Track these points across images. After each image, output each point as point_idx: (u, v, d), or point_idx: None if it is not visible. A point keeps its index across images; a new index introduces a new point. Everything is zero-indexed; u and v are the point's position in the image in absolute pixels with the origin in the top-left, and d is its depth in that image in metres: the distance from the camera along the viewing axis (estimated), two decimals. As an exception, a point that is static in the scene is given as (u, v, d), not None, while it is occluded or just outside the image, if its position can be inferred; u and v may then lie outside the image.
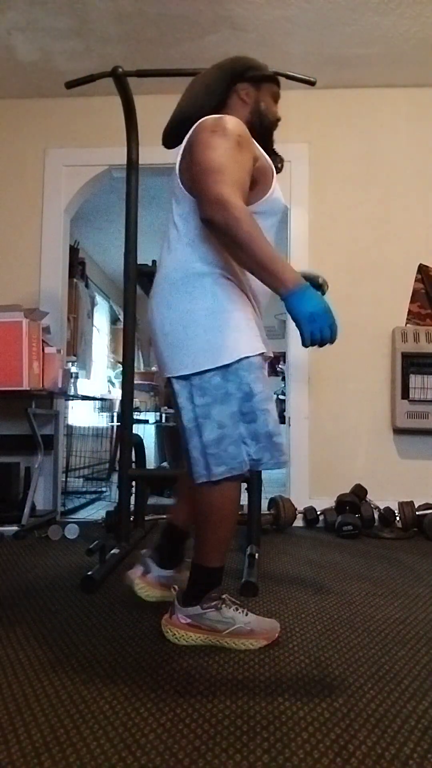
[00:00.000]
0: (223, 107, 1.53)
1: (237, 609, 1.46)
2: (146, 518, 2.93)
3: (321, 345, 1.29)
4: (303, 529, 3.01)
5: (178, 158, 1.48)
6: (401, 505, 2.90)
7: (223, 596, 1.47)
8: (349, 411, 3.21)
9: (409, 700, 1.17)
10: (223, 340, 1.37)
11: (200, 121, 1.43)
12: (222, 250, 1.43)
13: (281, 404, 4.96)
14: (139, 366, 6.80)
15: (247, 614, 1.46)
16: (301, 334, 1.27)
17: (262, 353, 1.44)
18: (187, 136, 1.46)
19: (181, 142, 1.51)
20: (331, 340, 1.28)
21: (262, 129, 1.56)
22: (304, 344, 1.29)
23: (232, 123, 1.40)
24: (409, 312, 3.25)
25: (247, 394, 1.39)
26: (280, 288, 1.27)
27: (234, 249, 1.32)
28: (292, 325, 3.17)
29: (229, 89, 1.53)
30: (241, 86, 1.54)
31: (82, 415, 4.79)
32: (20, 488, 3.10)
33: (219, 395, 1.39)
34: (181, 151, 1.48)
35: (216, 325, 1.39)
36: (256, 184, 1.45)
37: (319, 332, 1.26)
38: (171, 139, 1.59)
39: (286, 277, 1.26)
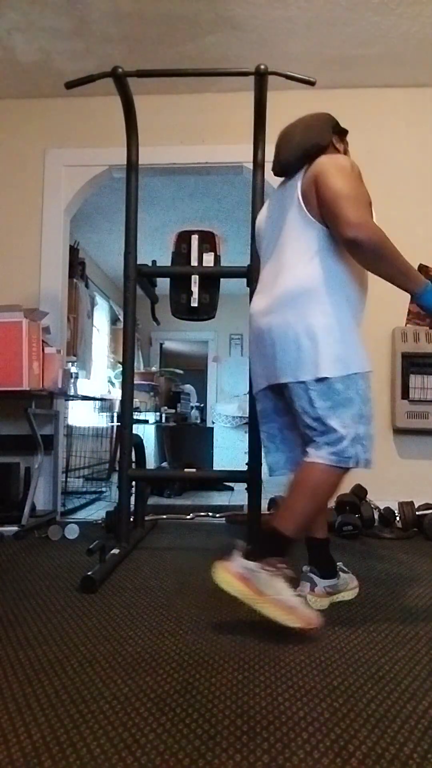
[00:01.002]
0: (327, 149, 1.74)
1: (289, 587, 1.49)
2: (146, 518, 2.93)
3: None
4: (303, 529, 3.01)
5: (299, 188, 1.66)
6: (401, 505, 2.90)
7: (285, 570, 1.50)
8: (349, 411, 3.20)
9: (409, 700, 1.17)
10: (349, 352, 1.60)
11: (324, 157, 1.65)
12: (348, 269, 1.65)
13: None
14: (139, 366, 6.80)
15: (297, 595, 1.50)
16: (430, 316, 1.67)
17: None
18: (308, 169, 1.66)
19: (295, 172, 1.72)
20: None
21: None
22: None
23: (351, 161, 1.64)
24: (409, 312, 3.24)
25: (365, 400, 1.63)
26: (415, 288, 1.58)
27: (377, 263, 1.55)
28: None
29: (330, 136, 1.76)
30: (334, 137, 1.78)
31: (82, 415, 4.79)
32: (20, 488, 3.10)
33: (341, 399, 1.58)
34: (301, 182, 1.66)
35: (343, 338, 1.60)
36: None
37: None
38: (287, 168, 1.75)
39: (420, 280, 1.58)
